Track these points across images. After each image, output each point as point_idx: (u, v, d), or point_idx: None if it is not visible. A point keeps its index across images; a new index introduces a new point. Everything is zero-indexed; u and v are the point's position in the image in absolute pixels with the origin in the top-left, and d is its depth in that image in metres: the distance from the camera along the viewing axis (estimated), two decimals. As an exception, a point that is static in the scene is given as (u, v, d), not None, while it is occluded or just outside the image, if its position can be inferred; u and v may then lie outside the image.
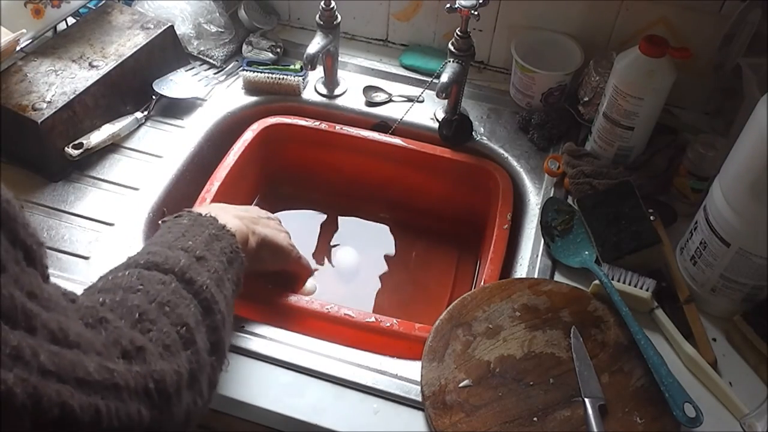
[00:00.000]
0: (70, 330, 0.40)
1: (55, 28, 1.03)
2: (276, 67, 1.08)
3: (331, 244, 1.07)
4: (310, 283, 0.98)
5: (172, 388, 0.47)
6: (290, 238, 0.83)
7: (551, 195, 0.93)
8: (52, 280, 0.77)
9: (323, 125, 1.03)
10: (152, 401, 0.45)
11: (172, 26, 1.04)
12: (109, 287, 0.54)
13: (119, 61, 0.97)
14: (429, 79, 1.03)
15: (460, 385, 0.72)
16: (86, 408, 0.39)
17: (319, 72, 1.08)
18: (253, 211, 0.80)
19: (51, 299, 0.41)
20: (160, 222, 0.67)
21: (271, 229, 0.78)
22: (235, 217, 0.72)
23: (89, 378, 0.39)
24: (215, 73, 1.10)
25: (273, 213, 1.08)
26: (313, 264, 1.04)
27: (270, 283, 0.82)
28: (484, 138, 1.02)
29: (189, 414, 0.50)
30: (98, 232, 0.87)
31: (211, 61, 1.10)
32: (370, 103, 1.07)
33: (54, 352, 0.38)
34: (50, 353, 0.37)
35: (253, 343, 0.75)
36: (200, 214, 0.67)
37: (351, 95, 1.08)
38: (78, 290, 0.56)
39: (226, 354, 0.59)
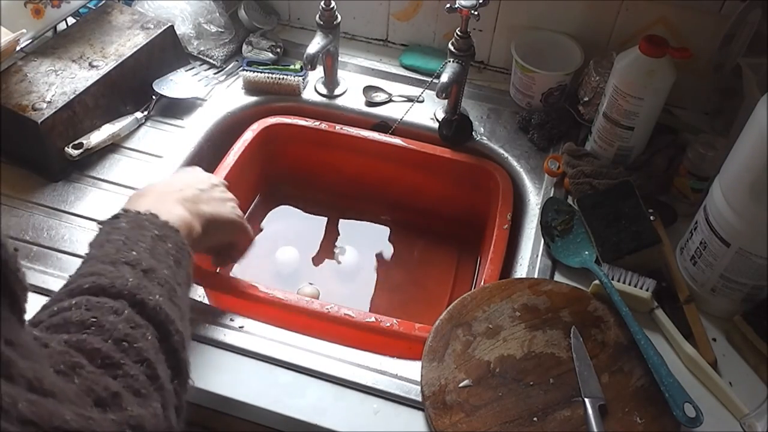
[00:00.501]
0: (44, 379, 0.39)
1: (55, 28, 1.03)
2: (276, 67, 1.08)
3: (332, 244, 1.07)
4: (312, 289, 0.98)
5: None
6: (237, 204, 0.79)
7: (551, 195, 0.93)
8: (52, 280, 0.79)
9: (323, 125, 1.02)
10: None
11: (172, 26, 1.04)
12: (59, 323, 0.50)
13: (119, 61, 0.97)
14: (429, 79, 1.03)
15: (460, 385, 0.72)
16: None
17: (319, 72, 1.08)
18: (193, 183, 0.75)
19: (27, 346, 0.40)
20: (96, 225, 0.63)
21: (215, 203, 0.74)
22: (176, 202, 0.68)
23: (67, 427, 0.38)
24: (215, 73, 1.10)
25: (272, 213, 1.09)
26: (312, 265, 1.04)
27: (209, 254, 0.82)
28: (484, 138, 1.02)
29: None
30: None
31: (211, 61, 1.10)
32: (370, 103, 1.07)
33: (32, 401, 0.37)
34: (29, 402, 0.36)
35: (253, 343, 0.75)
36: (138, 213, 0.64)
37: (351, 95, 1.08)
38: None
39: (189, 373, 0.56)
